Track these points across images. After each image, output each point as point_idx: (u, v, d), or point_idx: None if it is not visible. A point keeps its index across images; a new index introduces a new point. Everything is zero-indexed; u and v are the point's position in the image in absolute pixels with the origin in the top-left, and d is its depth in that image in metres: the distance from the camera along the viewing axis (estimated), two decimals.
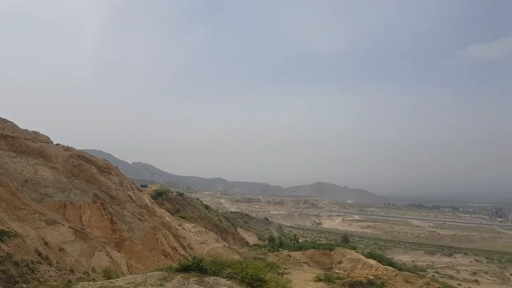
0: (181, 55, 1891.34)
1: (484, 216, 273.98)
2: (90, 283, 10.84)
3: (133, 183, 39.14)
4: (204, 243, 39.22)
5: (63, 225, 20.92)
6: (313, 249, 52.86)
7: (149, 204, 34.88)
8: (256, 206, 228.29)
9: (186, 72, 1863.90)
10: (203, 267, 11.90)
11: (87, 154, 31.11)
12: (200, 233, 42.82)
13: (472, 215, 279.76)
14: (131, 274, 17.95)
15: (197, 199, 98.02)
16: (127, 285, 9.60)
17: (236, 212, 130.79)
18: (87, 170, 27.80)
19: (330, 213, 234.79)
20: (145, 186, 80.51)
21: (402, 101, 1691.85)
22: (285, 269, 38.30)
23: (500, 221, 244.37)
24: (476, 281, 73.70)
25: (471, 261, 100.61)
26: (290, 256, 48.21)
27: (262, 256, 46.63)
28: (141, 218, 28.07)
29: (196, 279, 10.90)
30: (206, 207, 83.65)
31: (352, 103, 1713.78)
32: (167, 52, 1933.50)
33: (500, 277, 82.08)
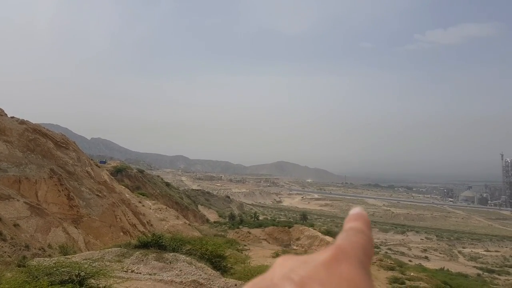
0: (143, 29, 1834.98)
1: (436, 196, 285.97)
2: (45, 259, 10.71)
3: (91, 159, 38.28)
4: (164, 220, 39.17)
5: (18, 200, 20.35)
6: (272, 226, 53.84)
7: (108, 180, 34.33)
8: (218, 184, 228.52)
9: (147, 46, 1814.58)
10: (163, 243, 11.99)
11: (44, 128, 30.12)
12: (160, 210, 42.67)
13: (425, 195, 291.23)
14: (88, 250, 17.79)
15: (158, 176, 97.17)
16: (84, 261, 9.56)
17: (197, 190, 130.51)
18: (43, 144, 26.97)
19: (290, 192, 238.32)
20: (104, 162, 78.90)
21: (362, 82, 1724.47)
22: (245, 245, 38.96)
23: (451, 201, 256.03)
24: (426, 257, 77.22)
25: (422, 239, 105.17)
26: (250, 233, 48.97)
27: (223, 233, 47.15)
28: (100, 194, 27.65)
29: (155, 255, 10.97)
30: (167, 184, 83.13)
31: (314, 83, 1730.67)
32: (127, 24, 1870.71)
33: (448, 254, 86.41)
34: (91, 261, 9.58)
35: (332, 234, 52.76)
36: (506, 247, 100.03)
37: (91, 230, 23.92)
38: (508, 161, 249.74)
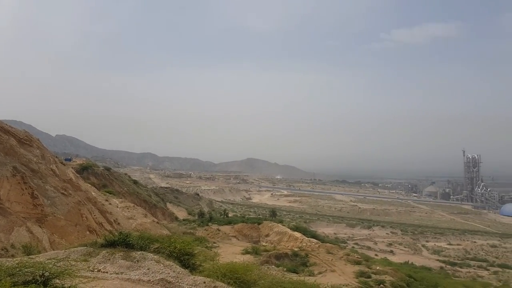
0: (109, 24, 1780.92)
1: (401, 191, 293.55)
2: (8, 259, 10.42)
3: (56, 157, 37.30)
4: (132, 219, 38.66)
5: None
6: (242, 223, 54.03)
7: (73, 178, 33.56)
8: (187, 182, 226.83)
9: (115, 41, 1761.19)
10: (130, 242, 11.83)
11: (6, 124, 29.13)
12: (127, 209, 42.06)
13: (390, 191, 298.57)
14: (53, 250, 17.41)
15: (125, 174, 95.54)
16: (49, 261, 9.36)
17: (166, 188, 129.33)
18: (6, 141, 26.11)
19: (260, 188, 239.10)
20: (70, 160, 77.05)
21: (329, 80, 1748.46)
22: (214, 243, 38.96)
23: (415, 196, 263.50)
24: (391, 251, 79.28)
25: (388, 233, 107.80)
26: (219, 231, 48.94)
27: (192, 231, 46.92)
28: (65, 192, 27.03)
29: (122, 254, 10.85)
30: (135, 182, 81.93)
31: (282, 80, 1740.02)
32: (94, 19, 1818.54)
33: (412, 248, 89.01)
34: (56, 260, 9.38)
35: (301, 230, 53.39)
36: (468, 241, 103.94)
37: (56, 229, 23.37)
38: (469, 158, 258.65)
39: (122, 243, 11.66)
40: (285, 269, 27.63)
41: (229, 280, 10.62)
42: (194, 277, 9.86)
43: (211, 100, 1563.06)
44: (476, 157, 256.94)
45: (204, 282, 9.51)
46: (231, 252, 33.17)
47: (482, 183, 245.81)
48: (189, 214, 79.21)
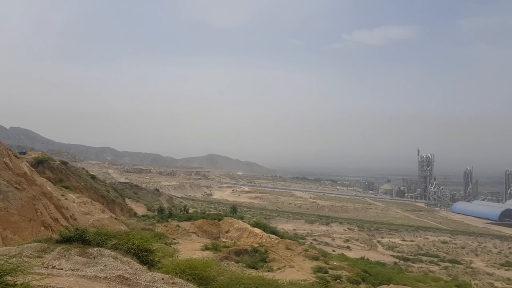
0: (69, 14, 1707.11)
1: (358, 188, 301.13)
2: None
3: (10, 150, 35.85)
4: (89, 214, 37.73)
5: None
6: (202, 219, 53.87)
7: (28, 172, 32.38)
8: (147, 177, 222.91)
9: (73, 32, 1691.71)
10: (86, 238, 11.57)
11: None
12: (85, 204, 41.00)
13: (348, 188, 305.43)
14: (5, 246, 16.82)
15: (83, 168, 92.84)
16: (0, 258, 9.08)
17: (125, 183, 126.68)
18: None
19: (221, 185, 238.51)
20: (24, 153, 73.94)
21: (293, 77, 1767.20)
22: (173, 239, 38.63)
23: (371, 193, 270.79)
24: (348, 247, 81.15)
25: (345, 230, 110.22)
26: (179, 227, 48.56)
27: (151, 227, 46.29)
28: (19, 187, 26.08)
29: (78, 250, 10.61)
30: (93, 177, 79.73)
31: (245, 76, 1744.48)
32: (52, 9, 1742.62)
33: (368, 243, 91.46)
34: (8, 257, 9.08)
35: (261, 226, 53.83)
36: (420, 237, 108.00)
37: (8, 225, 22.54)
38: (423, 157, 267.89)
39: (78, 239, 11.40)
40: (244, 265, 27.82)
41: (188, 277, 10.61)
42: (152, 274, 9.80)
43: (174, 95, 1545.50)
44: (430, 156, 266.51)
45: (163, 279, 9.48)
46: (190, 248, 33.05)
47: (435, 182, 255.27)
48: (149, 210, 78.06)
